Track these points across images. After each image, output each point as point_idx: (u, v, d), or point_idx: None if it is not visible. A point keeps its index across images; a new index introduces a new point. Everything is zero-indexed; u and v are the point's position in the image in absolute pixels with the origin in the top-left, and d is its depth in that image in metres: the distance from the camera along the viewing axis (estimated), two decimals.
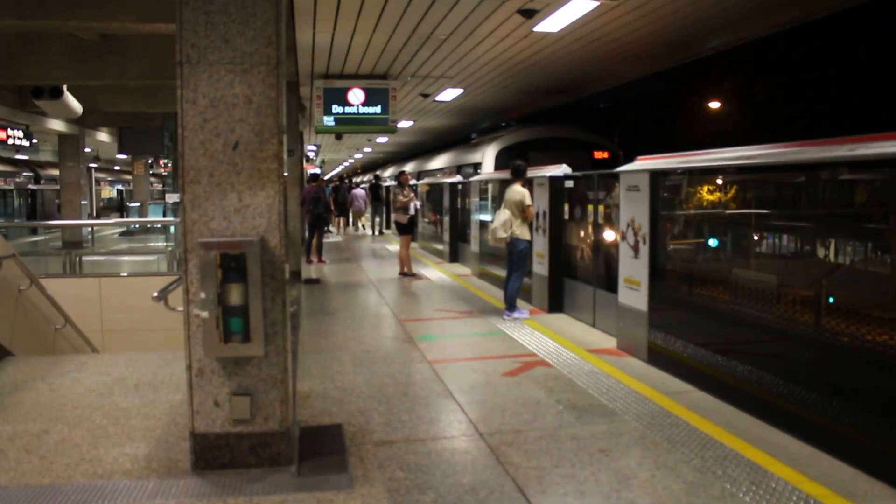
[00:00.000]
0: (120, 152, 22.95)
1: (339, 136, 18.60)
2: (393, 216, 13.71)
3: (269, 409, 4.25)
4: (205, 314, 4.04)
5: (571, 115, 19.93)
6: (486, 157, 16.44)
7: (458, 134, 25.31)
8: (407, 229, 13.31)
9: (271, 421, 4.25)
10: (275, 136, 4.20)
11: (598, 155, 15.96)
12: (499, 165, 15.85)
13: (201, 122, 4.14)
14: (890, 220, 5.04)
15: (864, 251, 5.62)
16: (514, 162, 9.44)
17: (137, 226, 24.15)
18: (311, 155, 29.70)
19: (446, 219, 16.68)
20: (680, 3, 7.82)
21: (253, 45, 4.15)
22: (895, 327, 4.44)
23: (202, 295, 4.04)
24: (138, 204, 28.20)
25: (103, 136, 24.37)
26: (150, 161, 29.85)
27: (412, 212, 13.31)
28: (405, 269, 13.12)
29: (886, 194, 5.05)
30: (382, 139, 25.61)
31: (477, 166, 16.88)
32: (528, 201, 8.97)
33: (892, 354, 4.39)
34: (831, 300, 5.22)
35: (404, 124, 20.45)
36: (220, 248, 4.05)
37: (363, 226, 28.35)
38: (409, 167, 27.52)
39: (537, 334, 8.09)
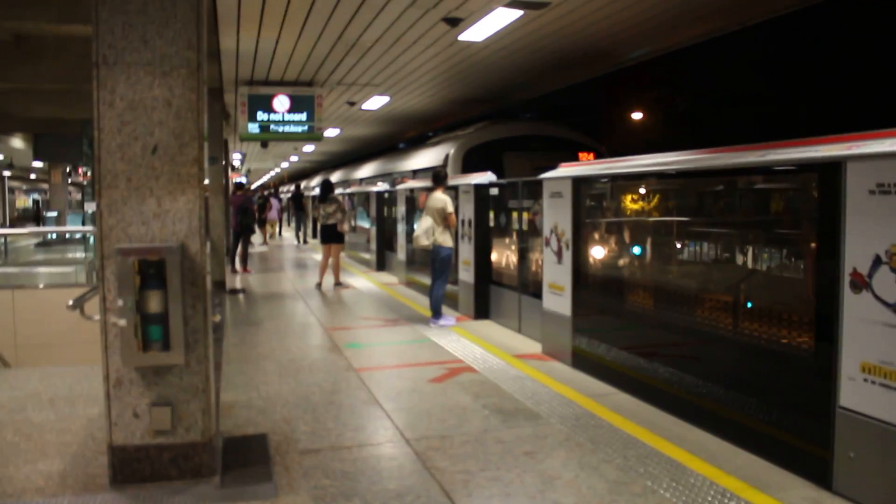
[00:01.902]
0: (36, 159, 22.12)
1: (264, 144, 18.35)
2: (320, 224, 13.54)
3: (191, 420, 4.15)
4: (122, 322, 3.93)
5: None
6: (452, 158, 13.85)
7: (386, 143, 25.27)
8: (339, 238, 13.23)
9: (193, 431, 4.15)
10: (195, 140, 4.12)
11: (584, 156, 13.45)
12: (468, 168, 13.14)
13: (119, 124, 4.03)
14: (799, 226, 5.25)
15: (777, 255, 5.84)
16: (434, 169, 9.49)
17: (55, 236, 23.33)
18: (237, 163, 29.25)
19: (373, 228, 16.62)
20: (599, 14, 8.01)
21: (172, 46, 4.07)
22: (803, 328, 4.63)
23: (120, 302, 3.92)
24: (55, 213, 27.25)
25: (17, 142, 23.47)
26: (68, 169, 28.90)
27: (346, 227, 13.26)
28: (338, 280, 13.06)
29: (797, 200, 5.27)
30: (309, 148, 25.40)
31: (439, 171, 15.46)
32: (449, 208, 9.02)
33: (802, 353, 4.57)
34: (748, 304, 5.41)
35: (331, 133, 20.33)
36: (139, 254, 3.95)
37: (276, 234, 28.06)
38: (336, 175, 27.34)
39: (463, 341, 8.13)
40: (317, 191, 21.46)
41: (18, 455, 4.55)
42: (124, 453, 4.08)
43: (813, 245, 4.48)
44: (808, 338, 4.52)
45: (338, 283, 13.02)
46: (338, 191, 22.07)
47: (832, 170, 4.04)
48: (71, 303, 4.81)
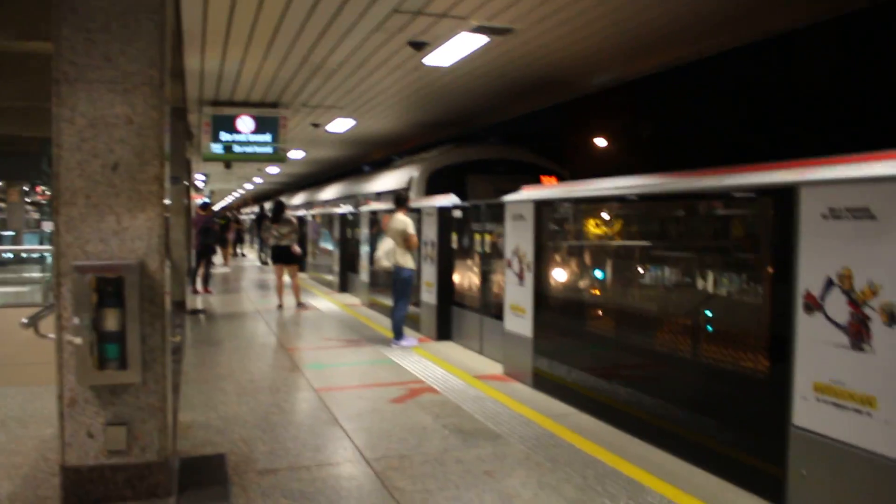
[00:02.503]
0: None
1: (227, 165, 18.25)
2: (272, 245, 13.68)
3: (147, 440, 4.10)
4: (78, 340, 3.88)
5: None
6: (416, 181, 13.87)
7: (351, 165, 25.27)
8: (294, 259, 13.23)
9: (149, 451, 4.10)
10: (156, 158, 4.11)
11: (546, 180, 13.46)
12: (432, 190, 13.16)
13: (79, 141, 4.01)
14: (756, 249, 5.36)
15: (733, 278, 5.94)
16: (396, 191, 9.55)
17: (11, 255, 22.90)
18: (200, 184, 29.02)
19: (336, 250, 16.59)
20: (562, 42, 8.14)
21: (135, 64, 4.07)
22: (759, 349, 4.72)
23: (76, 320, 3.88)
24: (13, 233, 26.74)
25: None
26: (26, 188, 28.41)
27: (296, 248, 13.27)
28: (299, 301, 13.04)
29: (754, 224, 5.38)
30: (273, 169, 25.30)
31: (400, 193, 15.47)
32: (410, 230, 9.06)
33: (757, 374, 4.66)
34: (705, 326, 5.50)
35: (296, 154, 20.29)
36: (96, 271, 3.92)
37: (235, 255, 27.99)
38: (301, 197, 27.25)
39: (425, 361, 8.13)
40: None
41: None
42: (77, 474, 4.01)
43: (768, 268, 4.58)
44: (763, 358, 4.61)
45: (299, 304, 12.98)
46: (302, 212, 22.01)
47: (787, 194, 4.16)
48: (25, 321, 4.73)
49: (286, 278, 13.27)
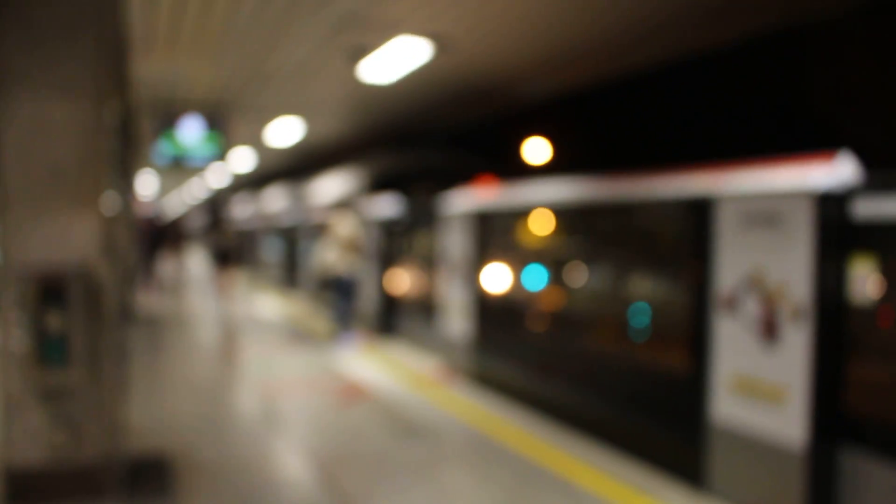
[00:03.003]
0: None
1: (175, 171, 18.13)
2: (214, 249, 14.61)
3: (92, 440, 4.17)
4: (21, 342, 3.95)
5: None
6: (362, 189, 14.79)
7: (300, 172, 25.15)
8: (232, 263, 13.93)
9: (94, 451, 4.18)
10: (98, 163, 4.20)
11: (483, 179, 14.44)
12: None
13: (20, 145, 4.07)
14: (679, 251, 5.64)
15: (659, 278, 6.22)
16: (346, 198, 9.75)
17: None
18: (145, 191, 28.64)
19: (284, 256, 16.68)
20: (499, 54, 8.33)
21: (78, 71, 4.14)
22: (681, 351, 4.99)
23: (20, 323, 3.95)
24: None
25: None
26: None
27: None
28: (234, 303, 13.52)
29: (677, 227, 5.65)
30: (221, 178, 25.10)
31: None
32: (358, 237, 9.29)
33: (679, 375, 4.93)
34: (631, 326, 5.77)
35: (244, 162, 20.20)
36: (40, 274, 3.99)
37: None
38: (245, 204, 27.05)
39: (368, 361, 8.28)
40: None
41: None
42: (22, 475, 4.07)
43: (691, 269, 4.85)
44: (684, 354, 4.88)
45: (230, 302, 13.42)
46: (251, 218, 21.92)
47: (703, 204, 4.44)
48: None
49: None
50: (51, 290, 4.00)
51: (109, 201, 4.40)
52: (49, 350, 4.01)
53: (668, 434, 4.86)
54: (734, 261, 4.25)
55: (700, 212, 4.54)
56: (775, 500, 4.01)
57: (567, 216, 6.63)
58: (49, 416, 4.10)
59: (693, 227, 4.69)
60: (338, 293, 9.44)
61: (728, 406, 4.28)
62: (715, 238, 4.39)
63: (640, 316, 5.70)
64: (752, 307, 4.13)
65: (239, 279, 13.48)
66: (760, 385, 4.07)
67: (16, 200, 4.07)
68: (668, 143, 6.79)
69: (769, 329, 4.04)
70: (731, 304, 4.26)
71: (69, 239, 4.14)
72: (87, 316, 4.10)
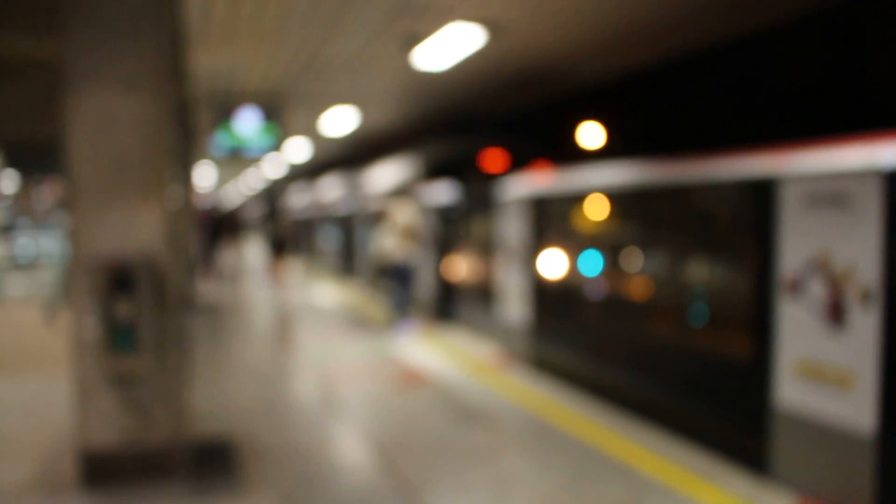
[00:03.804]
0: (8, 176, 21.95)
1: (233, 162, 18.45)
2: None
3: (161, 423, 4.30)
4: (93, 330, 4.09)
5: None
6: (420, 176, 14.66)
7: (358, 160, 25.32)
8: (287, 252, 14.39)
9: (162, 434, 4.30)
10: (161, 155, 4.31)
11: (539, 164, 14.28)
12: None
13: (88, 139, 4.20)
14: (741, 235, 5.54)
15: (720, 260, 6.12)
16: (404, 186, 9.79)
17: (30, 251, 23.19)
18: (204, 182, 29.20)
19: (346, 243, 16.84)
20: (553, 36, 8.27)
21: (140, 64, 4.25)
22: (743, 335, 4.90)
23: (91, 311, 4.09)
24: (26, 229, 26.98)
25: None
26: (39, 185, 28.61)
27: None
28: (288, 287, 13.81)
29: (745, 209, 5.55)
30: (280, 168, 25.42)
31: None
32: (415, 223, 9.32)
33: (741, 360, 4.84)
34: (695, 310, 5.69)
35: (301, 151, 20.44)
36: (109, 263, 4.12)
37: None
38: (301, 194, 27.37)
39: (426, 347, 8.33)
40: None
41: None
42: (94, 456, 4.22)
43: (753, 253, 4.76)
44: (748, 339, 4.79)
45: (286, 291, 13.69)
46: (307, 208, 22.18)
47: (766, 186, 4.35)
48: (43, 313, 4.94)
49: None
50: (119, 279, 4.13)
51: (172, 193, 4.50)
52: (118, 337, 4.14)
53: (729, 419, 4.79)
54: (799, 243, 4.16)
55: (763, 194, 4.45)
56: (842, 487, 3.93)
57: (623, 200, 6.56)
58: (120, 401, 4.23)
59: (755, 210, 4.60)
60: (396, 280, 9.52)
61: (793, 391, 4.20)
62: (778, 220, 4.30)
63: (698, 300, 5.62)
64: (817, 290, 4.04)
65: (294, 268, 13.69)
66: (827, 370, 3.98)
67: (85, 193, 4.20)
68: (727, 124, 6.64)
69: (836, 313, 3.94)
70: (796, 287, 4.17)
71: (135, 229, 4.25)
72: (154, 304, 4.22)
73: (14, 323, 8.68)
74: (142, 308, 4.16)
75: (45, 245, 18.41)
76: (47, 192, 27.43)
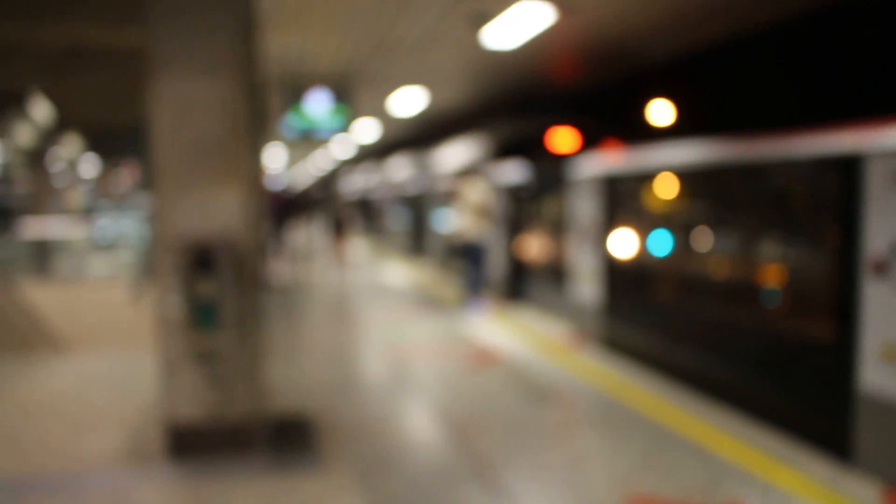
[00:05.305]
0: (92, 160, 22.78)
1: (304, 143, 18.72)
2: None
3: (241, 399, 4.44)
4: (177, 308, 4.23)
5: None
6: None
7: (425, 140, 25.38)
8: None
9: (243, 410, 4.44)
10: (241, 137, 4.41)
11: (610, 143, 13.64)
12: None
13: (171, 123, 4.32)
14: (821, 213, 5.38)
15: (799, 247, 5.97)
16: (475, 165, 9.79)
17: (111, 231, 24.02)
18: (275, 163, 29.71)
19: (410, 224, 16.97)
20: (624, 15, 8.13)
21: (218, 48, 4.35)
22: (822, 317, 4.78)
23: (174, 290, 4.23)
24: (108, 211, 27.93)
25: (74, 142, 24.14)
26: (120, 168, 29.56)
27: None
28: (350, 267, 14.27)
29: (826, 187, 5.39)
30: (349, 149, 25.67)
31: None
32: (487, 202, 9.32)
33: (821, 342, 4.72)
34: (771, 291, 5.56)
35: (370, 132, 20.60)
36: (191, 244, 4.25)
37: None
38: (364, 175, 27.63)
39: (498, 327, 8.36)
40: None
41: (84, 429, 4.89)
42: (179, 429, 4.38)
43: (835, 232, 4.62)
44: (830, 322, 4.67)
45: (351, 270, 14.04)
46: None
47: (849, 163, 4.20)
48: (128, 292, 5.13)
49: None
50: (201, 259, 4.26)
51: (248, 174, 4.61)
52: (201, 315, 4.28)
53: (809, 403, 4.68)
54: (885, 222, 4.02)
55: (845, 171, 4.31)
56: None
57: (695, 179, 6.44)
58: (203, 377, 4.38)
59: (837, 188, 4.46)
60: (467, 259, 9.55)
61: (878, 376, 4.07)
62: (863, 198, 4.15)
63: (774, 281, 5.49)
64: None
65: (355, 248, 13.94)
66: None
67: (167, 175, 4.33)
68: (805, 100, 6.43)
69: None
70: (882, 268, 4.03)
71: (215, 210, 4.37)
72: (233, 283, 4.34)
73: (99, 301, 9.04)
74: (223, 287, 4.29)
75: (124, 226, 19.02)
76: (126, 175, 28.41)
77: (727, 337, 5.69)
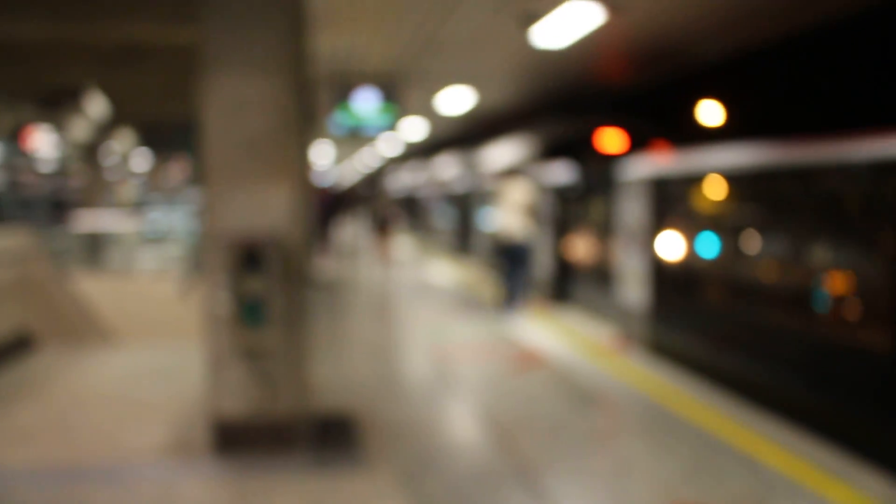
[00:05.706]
0: (144, 155, 23.27)
1: (352, 141, 18.84)
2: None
3: (286, 396, 4.46)
4: (225, 304, 4.27)
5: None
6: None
7: (470, 139, 25.36)
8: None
9: (288, 406, 4.46)
10: (291, 136, 4.44)
11: (658, 145, 13.54)
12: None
13: (221, 121, 4.36)
14: (886, 220, 5.22)
15: (856, 252, 5.80)
16: (520, 165, 9.73)
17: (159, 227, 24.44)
18: (323, 160, 29.95)
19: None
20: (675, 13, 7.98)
21: (268, 47, 4.38)
22: (882, 326, 4.63)
23: (222, 286, 4.27)
24: (158, 205, 28.47)
25: (126, 138, 24.64)
26: (170, 165, 30.08)
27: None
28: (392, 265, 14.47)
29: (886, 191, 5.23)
30: (397, 148, 25.77)
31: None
32: (532, 203, 9.26)
33: (881, 351, 4.58)
34: (826, 300, 5.42)
35: (418, 130, 20.64)
36: (240, 241, 4.29)
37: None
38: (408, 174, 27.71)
39: (542, 328, 8.30)
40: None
41: (132, 422, 4.97)
42: (225, 424, 4.42)
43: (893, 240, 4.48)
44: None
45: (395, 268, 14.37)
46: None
47: None
48: (177, 288, 5.20)
49: None
50: (249, 256, 4.29)
51: (297, 172, 4.63)
52: (249, 312, 4.31)
53: (864, 415, 4.54)
54: None
55: None
56: None
57: (745, 182, 6.30)
58: (249, 373, 4.41)
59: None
60: (513, 260, 9.49)
61: None
62: None
63: (829, 286, 5.34)
64: None
65: (399, 246, 13.97)
66: None
67: (217, 172, 4.37)
68: (862, 103, 6.25)
69: None
70: None
71: (263, 207, 4.40)
72: (281, 281, 4.37)
73: (149, 294, 9.20)
74: (270, 285, 4.32)
75: (174, 220, 19.31)
76: (176, 170, 28.89)
77: (777, 343, 5.55)
